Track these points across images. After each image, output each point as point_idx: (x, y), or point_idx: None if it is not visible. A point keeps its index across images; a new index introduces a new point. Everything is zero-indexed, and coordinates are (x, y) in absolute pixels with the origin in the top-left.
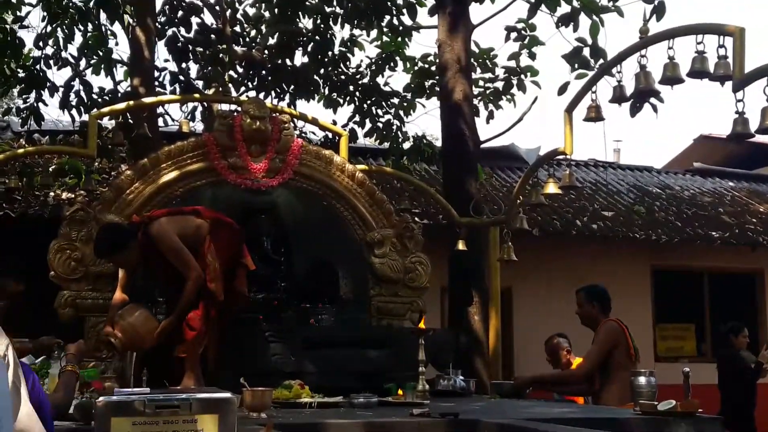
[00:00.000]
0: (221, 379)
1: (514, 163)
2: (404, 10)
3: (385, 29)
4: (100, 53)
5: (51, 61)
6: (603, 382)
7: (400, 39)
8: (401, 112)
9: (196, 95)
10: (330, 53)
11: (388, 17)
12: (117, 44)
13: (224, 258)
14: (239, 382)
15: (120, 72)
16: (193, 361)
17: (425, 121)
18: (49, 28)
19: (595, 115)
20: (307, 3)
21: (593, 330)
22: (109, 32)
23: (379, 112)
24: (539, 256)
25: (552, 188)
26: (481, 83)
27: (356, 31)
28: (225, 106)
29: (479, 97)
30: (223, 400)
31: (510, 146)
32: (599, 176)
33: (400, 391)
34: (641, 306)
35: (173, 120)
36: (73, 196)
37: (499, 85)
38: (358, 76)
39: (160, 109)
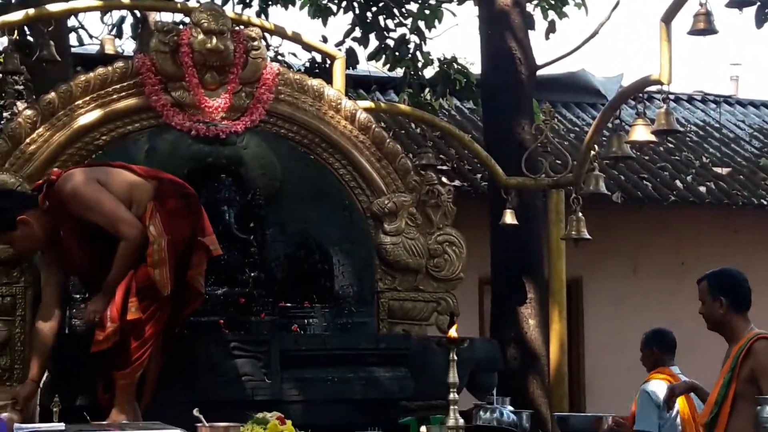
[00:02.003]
0: (166, 411)
1: (586, 97)
2: None
3: None
4: None
5: None
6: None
7: None
8: (421, 24)
9: (125, 0)
10: None
11: None
12: None
13: (176, 236)
14: (191, 415)
15: None
16: (128, 384)
17: (456, 36)
18: None
19: (704, 26)
20: None
21: (726, 339)
22: None
23: (390, 23)
24: (622, 232)
25: (641, 133)
26: None
27: None
28: (167, 16)
29: (535, 1)
30: None
31: (580, 73)
32: (710, 116)
33: (422, 429)
34: None
35: (92, 37)
36: None
37: None
38: None
39: (72, 21)
